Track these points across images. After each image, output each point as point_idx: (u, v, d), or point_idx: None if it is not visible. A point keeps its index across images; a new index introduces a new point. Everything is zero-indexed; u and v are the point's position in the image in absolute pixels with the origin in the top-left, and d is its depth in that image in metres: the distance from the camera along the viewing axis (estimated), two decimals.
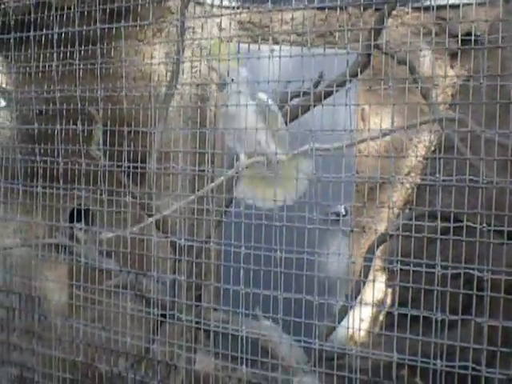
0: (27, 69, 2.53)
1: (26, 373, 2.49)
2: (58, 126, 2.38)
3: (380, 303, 3.85)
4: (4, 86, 3.03)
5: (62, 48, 2.41)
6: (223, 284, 2.16)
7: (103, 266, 2.70)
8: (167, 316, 2.25)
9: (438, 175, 1.73)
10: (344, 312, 2.45)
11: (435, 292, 1.69)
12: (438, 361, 1.70)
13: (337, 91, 2.28)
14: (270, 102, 2.17)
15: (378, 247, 2.48)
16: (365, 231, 1.96)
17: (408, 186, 4.15)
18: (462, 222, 1.83)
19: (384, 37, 2.49)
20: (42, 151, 2.39)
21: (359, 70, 2.47)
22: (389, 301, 3.83)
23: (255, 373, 2.06)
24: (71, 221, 3.21)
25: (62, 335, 2.35)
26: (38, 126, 2.46)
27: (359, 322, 1.90)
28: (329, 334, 2.44)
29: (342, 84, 2.34)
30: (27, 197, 2.42)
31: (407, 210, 3.57)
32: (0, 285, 2.50)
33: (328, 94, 2.40)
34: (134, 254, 2.32)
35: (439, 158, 1.87)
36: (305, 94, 2.39)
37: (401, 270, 1.82)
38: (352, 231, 2.93)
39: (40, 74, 2.48)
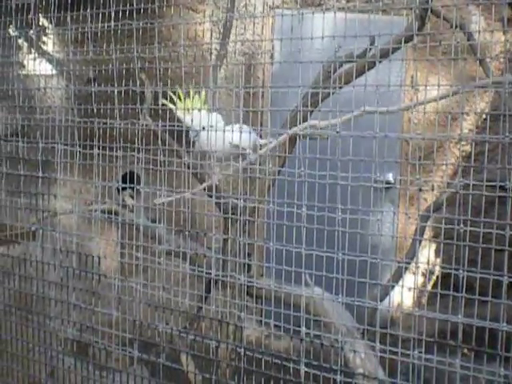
0: (74, 31, 2.52)
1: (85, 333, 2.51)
2: (110, 88, 2.38)
3: (427, 271, 3.82)
4: (52, 51, 3.03)
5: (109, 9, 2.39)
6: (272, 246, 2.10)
7: (152, 230, 2.71)
8: (220, 276, 2.23)
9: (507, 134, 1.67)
10: (397, 276, 2.42)
11: (505, 253, 1.65)
12: (505, 323, 1.67)
13: (387, 56, 2.23)
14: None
15: (434, 212, 2.44)
16: (421, 190, 1.90)
17: (458, 154, 4.09)
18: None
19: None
20: (95, 112, 2.39)
21: (416, 29, 2.40)
22: (437, 270, 3.79)
23: (310, 334, 2.04)
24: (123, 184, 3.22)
25: (121, 295, 2.36)
26: (89, 89, 2.45)
27: (415, 285, 1.87)
28: (382, 298, 2.42)
29: (394, 49, 2.28)
30: (80, 159, 2.42)
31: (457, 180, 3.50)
32: (60, 245, 2.51)
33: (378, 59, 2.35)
34: (184, 218, 2.30)
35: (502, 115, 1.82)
36: (358, 57, 2.35)
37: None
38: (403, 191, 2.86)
39: (86, 37, 2.48)
